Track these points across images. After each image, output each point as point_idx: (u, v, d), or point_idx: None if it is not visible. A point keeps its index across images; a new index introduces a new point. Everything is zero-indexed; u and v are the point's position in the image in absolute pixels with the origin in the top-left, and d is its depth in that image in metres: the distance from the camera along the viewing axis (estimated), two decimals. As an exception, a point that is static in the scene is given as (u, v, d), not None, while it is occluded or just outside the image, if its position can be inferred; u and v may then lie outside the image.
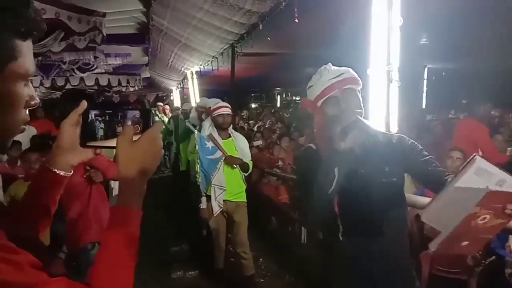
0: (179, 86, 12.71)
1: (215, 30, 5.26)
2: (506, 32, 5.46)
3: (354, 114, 1.49)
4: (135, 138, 0.84)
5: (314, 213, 1.50)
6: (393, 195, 1.58)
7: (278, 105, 19.41)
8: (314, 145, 1.70)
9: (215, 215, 3.58)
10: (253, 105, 18.83)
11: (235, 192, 3.67)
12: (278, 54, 7.22)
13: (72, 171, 0.98)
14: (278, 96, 20.33)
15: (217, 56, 6.86)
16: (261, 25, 4.38)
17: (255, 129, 9.09)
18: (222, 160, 3.58)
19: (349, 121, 1.43)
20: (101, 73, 8.75)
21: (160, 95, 17.85)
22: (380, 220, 1.54)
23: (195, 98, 9.35)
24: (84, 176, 2.77)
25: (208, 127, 3.69)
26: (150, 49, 7.12)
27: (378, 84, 2.31)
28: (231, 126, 3.79)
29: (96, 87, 9.89)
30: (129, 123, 0.87)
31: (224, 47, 6.22)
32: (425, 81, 9.51)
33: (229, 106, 3.74)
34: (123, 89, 10.75)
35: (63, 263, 2.94)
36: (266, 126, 9.26)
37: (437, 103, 10.33)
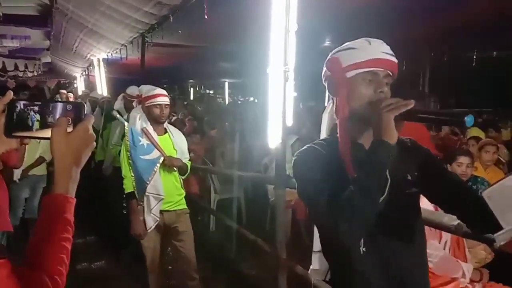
0: (84, 73, 12.04)
1: (125, 18, 5.15)
2: (407, 34, 6.17)
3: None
4: (68, 129, 0.89)
5: (352, 228, 1.07)
6: (415, 208, 1.32)
7: (192, 97, 19.35)
8: (317, 145, 1.29)
9: (149, 231, 2.90)
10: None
11: (174, 200, 3.02)
12: (191, 47, 7.26)
13: None
14: (192, 89, 20.25)
15: (126, 44, 6.69)
16: (171, 18, 4.43)
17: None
18: (159, 162, 2.90)
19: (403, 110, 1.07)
20: (-6, 55, 8.00)
21: (62, 82, 16.69)
22: (402, 235, 1.27)
23: (101, 86, 8.99)
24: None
25: (138, 120, 2.92)
26: (52, 33, 6.70)
27: (276, 82, 2.57)
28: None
29: (-13, 70, 9.01)
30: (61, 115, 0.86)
31: (134, 36, 6.10)
32: (327, 81, 10.28)
33: (167, 94, 3.04)
34: (20, 74, 9.94)
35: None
36: (178, 118, 9.25)
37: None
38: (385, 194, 1.08)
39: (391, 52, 1.22)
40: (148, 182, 2.85)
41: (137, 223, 2.90)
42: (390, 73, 1.22)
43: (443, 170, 1.35)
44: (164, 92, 3.00)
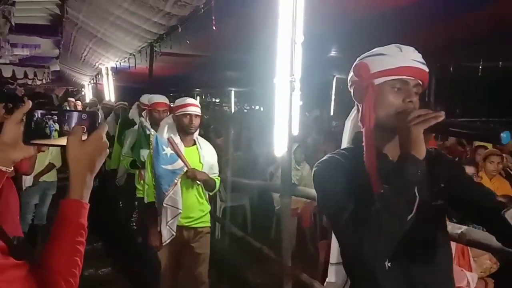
0: (92, 81, 12.20)
1: (134, 28, 5.24)
2: (412, 44, 6.18)
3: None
4: (83, 137, 0.93)
5: (378, 247, 1.04)
6: (440, 221, 1.27)
7: (198, 105, 19.44)
8: (339, 155, 1.23)
9: (164, 244, 2.80)
10: (172, 105, 18.62)
11: (195, 217, 2.88)
12: (197, 56, 7.35)
13: (12, 168, 1.00)
14: (198, 97, 20.38)
15: (134, 53, 6.79)
16: (180, 28, 4.50)
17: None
18: (181, 173, 2.78)
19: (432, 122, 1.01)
20: (5, 63, 8.14)
21: (70, 90, 16.90)
22: (428, 248, 1.21)
23: (109, 95, 9.11)
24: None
25: (166, 129, 2.85)
26: (62, 42, 6.82)
27: (282, 92, 2.62)
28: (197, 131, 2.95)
29: (-3, 78, 9.16)
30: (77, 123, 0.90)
31: (143, 46, 6.20)
32: (333, 90, 10.33)
33: (199, 104, 2.92)
34: (29, 82, 10.09)
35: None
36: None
37: (343, 111, 11.27)
38: (413, 212, 1.02)
39: (422, 60, 1.17)
40: (166, 192, 2.74)
41: (153, 235, 2.83)
42: (420, 82, 1.17)
43: (470, 181, 1.27)
44: (195, 102, 2.89)
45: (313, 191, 3.03)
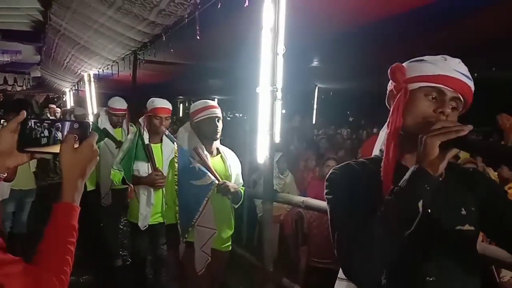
0: (74, 88, 12.09)
1: (117, 36, 5.26)
2: (383, 58, 6.36)
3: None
4: (75, 145, 1.00)
5: (372, 259, 0.96)
6: (467, 248, 1.10)
7: (181, 114, 19.46)
8: (357, 164, 1.16)
9: (200, 273, 2.39)
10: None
11: (226, 235, 2.52)
12: (181, 64, 7.40)
13: (6, 174, 1.06)
14: (181, 105, 20.36)
15: (118, 61, 6.79)
16: (164, 37, 4.55)
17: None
18: (212, 189, 2.39)
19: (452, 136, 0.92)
20: (-16, 69, 8.02)
21: (51, 97, 16.70)
22: (453, 279, 1.06)
23: (91, 102, 9.04)
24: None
25: (186, 139, 2.48)
26: (44, 48, 6.77)
27: (265, 101, 2.71)
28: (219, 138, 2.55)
29: (-24, 84, 9.01)
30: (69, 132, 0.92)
31: (126, 53, 6.20)
32: (315, 99, 10.51)
33: (218, 106, 2.53)
34: (9, 88, 9.94)
35: None
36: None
37: (325, 120, 11.49)
38: (412, 228, 0.94)
39: (467, 73, 1.07)
40: (198, 212, 2.36)
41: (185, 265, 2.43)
42: (461, 98, 1.06)
43: (508, 206, 1.10)
44: (215, 103, 2.53)
45: (294, 197, 3.11)
